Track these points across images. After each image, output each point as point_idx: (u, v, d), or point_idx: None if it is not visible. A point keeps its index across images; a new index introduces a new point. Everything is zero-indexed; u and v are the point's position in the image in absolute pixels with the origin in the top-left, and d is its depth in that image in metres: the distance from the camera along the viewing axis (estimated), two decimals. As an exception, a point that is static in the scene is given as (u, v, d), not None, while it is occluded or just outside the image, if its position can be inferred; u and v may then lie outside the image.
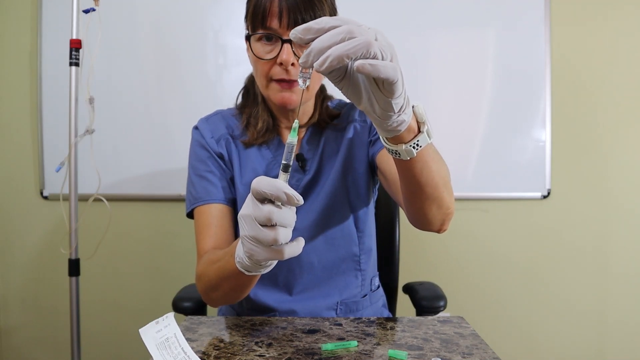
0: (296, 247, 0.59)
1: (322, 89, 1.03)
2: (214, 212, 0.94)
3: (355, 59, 0.49)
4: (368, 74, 0.50)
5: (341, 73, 0.54)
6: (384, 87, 0.52)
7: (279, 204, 0.57)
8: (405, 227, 1.22)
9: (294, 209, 0.59)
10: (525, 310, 1.83)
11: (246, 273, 0.68)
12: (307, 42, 0.50)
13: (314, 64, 0.49)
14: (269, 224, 0.56)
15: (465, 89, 1.76)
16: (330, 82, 1.01)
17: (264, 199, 0.56)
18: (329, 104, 1.04)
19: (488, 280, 1.82)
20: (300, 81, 0.55)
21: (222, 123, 1.02)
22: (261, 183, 0.55)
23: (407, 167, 0.67)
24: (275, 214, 0.55)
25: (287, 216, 0.57)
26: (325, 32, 0.49)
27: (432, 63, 1.75)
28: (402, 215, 1.22)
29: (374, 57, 0.49)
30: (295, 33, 0.51)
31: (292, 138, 0.57)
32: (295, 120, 0.57)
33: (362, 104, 0.56)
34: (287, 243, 0.58)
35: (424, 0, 1.73)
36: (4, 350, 1.83)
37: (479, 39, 1.75)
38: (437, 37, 1.75)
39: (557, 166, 1.79)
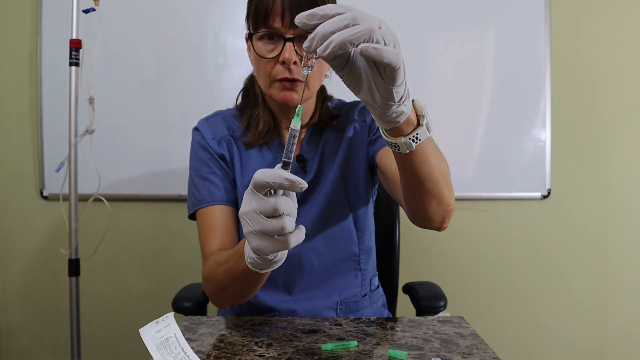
0: (299, 235, 0.60)
1: (322, 89, 1.03)
2: (218, 214, 0.94)
3: (358, 46, 0.49)
4: (371, 58, 0.50)
5: (343, 61, 0.54)
6: (385, 73, 0.52)
7: (282, 193, 0.57)
8: (405, 227, 1.23)
9: (295, 197, 0.60)
10: (525, 310, 1.83)
11: (259, 271, 0.68)
12: (311, 28, 0.51)
13: (317, 50, 0.50)
14: (275, 215, 0.56)
15: (465, 89, 1.76)
16: (328, 82, 1.02)
17: (265, 192, 0.56)
18: (329, 104, 1.04)
19: (488, 280, 1.82)
20: (303, 67, 0.56)
21: (223, 124, 1.02)
22: (262, 174, 0.55)
23: (406, 161, 0.67)
24: (281, 203, 0.56)
25: (290, 204, 0.58)
26: (330, 19, 0.50)
27: (432, 63, 1.75)
28: (402, 215, 1.22)
29: (377, 44, 0.50)
30: (300, 18, 0.51)
31: (295, 124, 0.57)
32: (299, 106, 0.58)
33: (362, 93, 0.56)
34: (291, 232, 0.59)
35: (424, 1, 1.73)
36: (4, 350, 1.83)
37: (479, 39, 1.75)
38: (437, 37, 1.75)
39: (557, 166, 1.79)
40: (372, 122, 1.00)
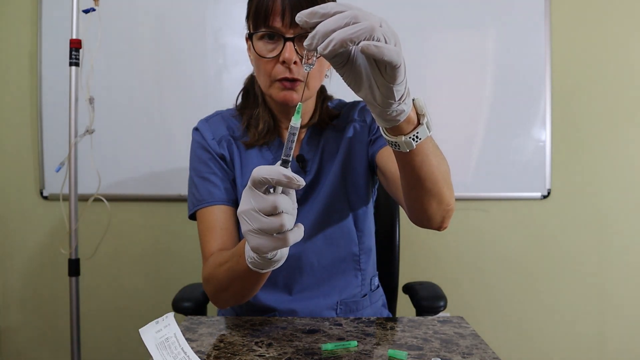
0: (298, 233, 0.60)
1: (322, 89, 1.03)
2: (218, 214, 0.94)
3: (358, 44, 0.49)
4: (372, 55, 0.50)
5: (344, 59, 0.54)
6: (386, 72, 0.53)
7: (281, 192, 0.57)
8: (405, 227, 1.22)
9: (294, 196, 0.60)
10: (525, 310, 1.83)
11: (260, 271, 0.68)
12: (312, 27, 0.51)
13: (318, 48, 0.50)
14: (275, 212, 0.56)
15: (465, 89, 1.76)
16: (328, 82, 1.01)
17: (264, 189, 0.56)
18: (329, 104, 1.04)
19: (488, 280, 1.82)
20: (304, 65, 0.56)
21: (223, 124, 1.02)
22: (260, 170, 0.56)
23: (407, 160, 0.67)
24: (280, 201, 0.56)
25: (289, 203, 0.58)
26: (331, 17, 0.50)
27: (432, 63, 1.75)
28: (402, 215, 1.22)
29: (378, 42, 0.50)
30: (301, 17, 0.51)
31: (295, 121, 0.57)
32: (299, 104, 0.58)
33: (363, 92, 0.57)
34: (290, 230, 0.59)
35: (424, 1, 1.73)
36: (4, 350, 1.83)
37: (479, 39, 1.75)
38: (437, 37, 1.75)
39: (557, 166, 1.79)
40: (372, 122, 1.00)
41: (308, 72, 0.57)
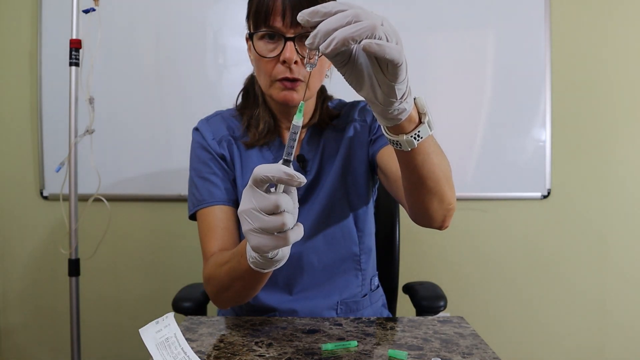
0: (298, 232, 0.60)
1: (323, 89, 1.03)
2: (219, 214, 0.94)
3: (360, 42, 0.49)
4: (374, 54, 0.50)
5: (345, 57, 0.54)
6: (388, 70, 0.53)
7: (282, 191, 0.57)
8: (405, 227, 1.23)
9: (295, 195, 0.60)
10: (525, 310, 1.83)
11: (261, 271, 0.68)
12: (313, 26, 0.51)
13: (320, 47, 0.50)
14: (276, 212, 0.56)
15: (465, 89, 1.76)
16: (328, 82, 1.01)
17: (266, 188, 0.56)
18: (329, 104, 1.04)
19: (488, 280, 1.82)
20: (306, 64, 0.57)
21: (223, 124, 1.01)
22: (261, 168, 0.56)
23: (408, 159, 0.67)
24: (282, 200, 0.56)
25: (290, 202, 0.58)
26: (332, 16, 0.50)
27: (432, 63, 1.75)
28: (402, 216, 1.22)
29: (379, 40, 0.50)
30: (303, 16, 0.52)
31: (297, 120, 0.58)
32: (301, 102, 0.58)
33: (364, 90, 0.57)
34: (290, 229, 0.59)
35: (424, 1, 1.74)
36: (4, 350, 1.83)
37: (479, 39, 1.75)
38: (437, 37, 1.75)
39: (557, 166, 1.79)
40: (372, 122, 1.00)
41: (310, 72, 0.57)
